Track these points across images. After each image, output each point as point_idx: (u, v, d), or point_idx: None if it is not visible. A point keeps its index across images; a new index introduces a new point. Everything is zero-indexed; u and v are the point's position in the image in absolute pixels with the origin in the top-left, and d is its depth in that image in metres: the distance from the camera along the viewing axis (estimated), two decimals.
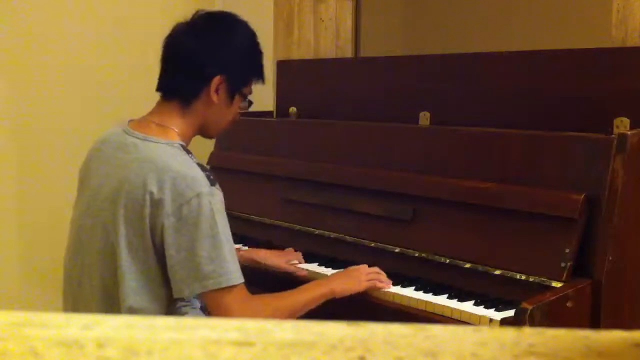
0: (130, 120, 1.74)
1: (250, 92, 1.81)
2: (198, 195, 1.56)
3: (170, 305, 1.67)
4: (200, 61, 1.70)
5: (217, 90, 1.70)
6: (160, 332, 0.51)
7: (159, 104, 1.74)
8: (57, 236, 2.41)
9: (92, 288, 1.67)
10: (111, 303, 1.64)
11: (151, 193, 1.57)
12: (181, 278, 1.58)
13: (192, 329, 0.51)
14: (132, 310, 1.60)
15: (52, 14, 2.90)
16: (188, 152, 1.67)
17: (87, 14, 2.98)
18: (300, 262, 2.10)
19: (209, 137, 1.85)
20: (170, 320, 0.53)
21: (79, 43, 2.96)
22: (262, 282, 1.98)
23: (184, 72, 1.71)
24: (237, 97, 1.76)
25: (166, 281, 1.61)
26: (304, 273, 2.03)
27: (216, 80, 1.69)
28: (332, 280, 1.84)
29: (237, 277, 1.59)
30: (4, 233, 2.86)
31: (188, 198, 1.56)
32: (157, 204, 1.56)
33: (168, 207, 1.56)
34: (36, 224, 2.91)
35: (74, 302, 1.73)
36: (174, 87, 1.71)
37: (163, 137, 1.67)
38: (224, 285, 1.57)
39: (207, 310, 1.69)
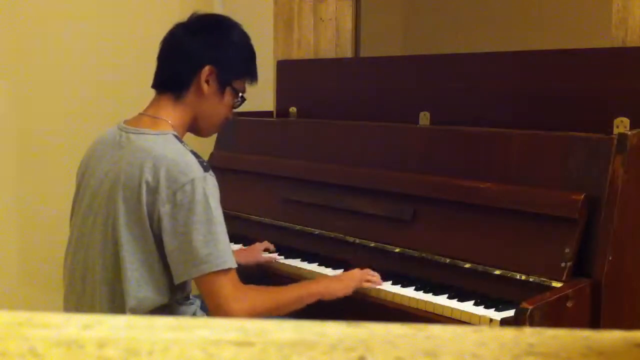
0: (126, 120, 1.78)
1: (244, 90, 1.83)
2: (192, 181, 1.58)
3: (172, 301, 1.68)
4: (189, 51, 1.74)
5: (207, 81, 1.73)
6: (160, 332, 0.51)
7: (153, 99, 1.78)
8: (57, 236, 2.41)
9: (96, 284, 1.68)
10: (116, 297, 1.65)
11: (147, 181, 1.60)
12: (179, 263, 1.60)
13: (192, 329, 0.51)
14: (137, 301, 1.62)
15: (52, 14, 2.90)
16: (181, 141, 1.70)
17: (87, 14, 2.98)
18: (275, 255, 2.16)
19: (202, 133, 1.85)
20: (170, 320, 0.53)
21: (79, 43, 2.96)
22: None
23: (175, 63, 1.75)
24: (228, 91, 1.78)
25: (167, 270, 1.64)
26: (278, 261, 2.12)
27: (206, 69, 1.72)
28: (321, 283, 1.86)
29: (231, 262, 1.61)
30: (4, 233, 2.86)
31: (182, 184, 1.58)
32: (152, 192, 1.59)
33: (163, 194, 1.59)
34: (36, 224, 2.91)
35: (77, 302, 1.73)
36: (166, 79, 1.76)
37: (155, 129, 1.70)
38: (218, 269, 1.59)
39: (207, 310, 1.69)
